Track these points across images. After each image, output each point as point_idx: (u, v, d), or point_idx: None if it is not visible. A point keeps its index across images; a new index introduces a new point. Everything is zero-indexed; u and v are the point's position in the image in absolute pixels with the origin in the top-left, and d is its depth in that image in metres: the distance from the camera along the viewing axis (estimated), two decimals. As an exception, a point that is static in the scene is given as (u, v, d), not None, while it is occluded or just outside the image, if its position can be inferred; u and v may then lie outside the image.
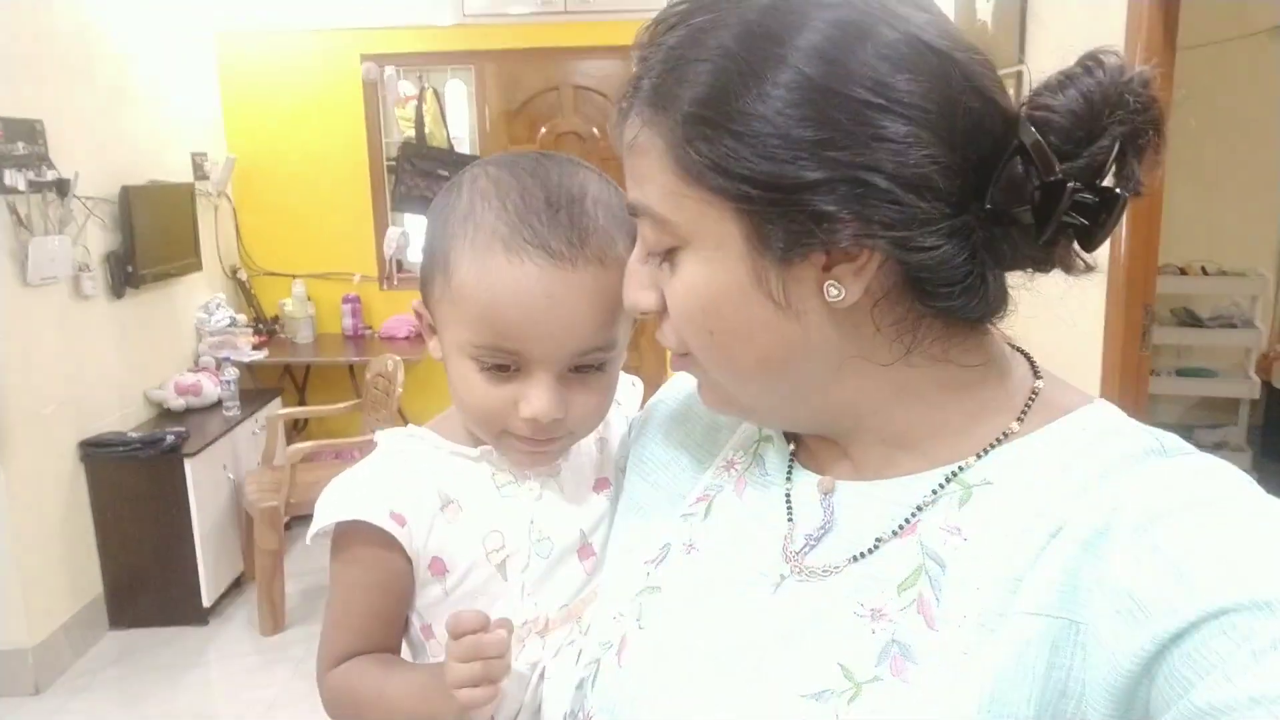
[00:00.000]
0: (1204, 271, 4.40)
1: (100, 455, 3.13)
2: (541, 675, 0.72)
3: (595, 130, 4.46)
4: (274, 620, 3.24)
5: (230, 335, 3.99)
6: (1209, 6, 3.73)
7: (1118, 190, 0.50)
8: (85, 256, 3.19)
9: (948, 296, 0.52)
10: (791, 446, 0.65)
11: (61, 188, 3.01)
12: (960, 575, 0.51)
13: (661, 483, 0.72)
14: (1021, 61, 3.18)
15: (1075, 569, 0.46)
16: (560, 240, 0.66)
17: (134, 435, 3.22)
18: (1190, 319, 4.49)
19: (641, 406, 0.85)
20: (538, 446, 0.72)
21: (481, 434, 0.74)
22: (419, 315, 0.76)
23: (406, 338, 4.37)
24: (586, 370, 0.71)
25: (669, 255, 0.55)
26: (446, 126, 4.38)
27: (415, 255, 4.48)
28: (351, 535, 0.72)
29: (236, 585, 3.56)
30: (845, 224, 0.49)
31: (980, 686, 0.46)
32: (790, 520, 0.61)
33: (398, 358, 3.56)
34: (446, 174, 4.34)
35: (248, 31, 4.29)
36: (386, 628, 0.75)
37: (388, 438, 0.77)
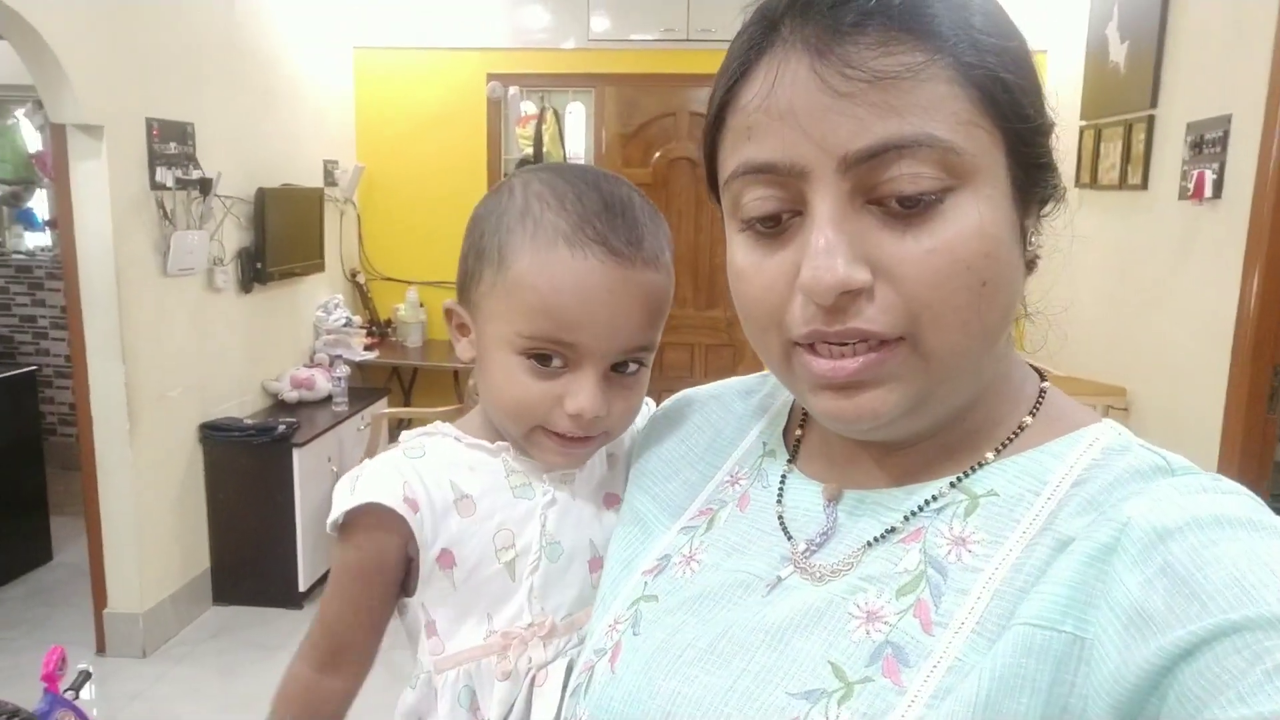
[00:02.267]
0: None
1: (217, 438, 3.32)
2: (532, 681, 0.72)
3: (708, 156, 4.50)
4: (363, 611, 3.34)
5: (345, 334, 4.17)
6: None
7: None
8: (220, 251, 3.40)
9: (1031, 269, 0.56)
10: (789, 459, 0.66)
11: (204, 186, 3.22)
12: (961, 584, 0.51)
13: (662, 495, 0.72)
14: (1154, 106, 3.07)
15: (1082, 584, 0.46)
16: (620, 240, 0.69)
17: (249, 422, 3.41)
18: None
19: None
20: (572, 445, 0.73)
21: (512, 429, 0.74)
22: (450, 315, 0.78)
23: (510, 349, 4.46)
24: (624, 370, 0.72)
25: (931, 201, 0.49)
26: (564, 146, 4.49)
27: (524, 269, 4.58)
28: (361, 519, 0.72)
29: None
30: (1054, 177, 0.54)
31: (975, 693, 0.46)
32: (793, 523, 0.61)
33: (499, 367, 3.65)
34: (560, 192, 4.44)
35: (383, 48, 4.51)
36: (364, 622, 0.75)
37: (411, 435, 0.78)
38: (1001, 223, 0.50)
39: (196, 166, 3.21)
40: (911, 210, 0.49)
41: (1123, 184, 3.24)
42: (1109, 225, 3.42)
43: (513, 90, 4.45)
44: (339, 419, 3.72)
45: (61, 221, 2.90)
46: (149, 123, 2.99)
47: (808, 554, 0.58)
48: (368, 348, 4.33)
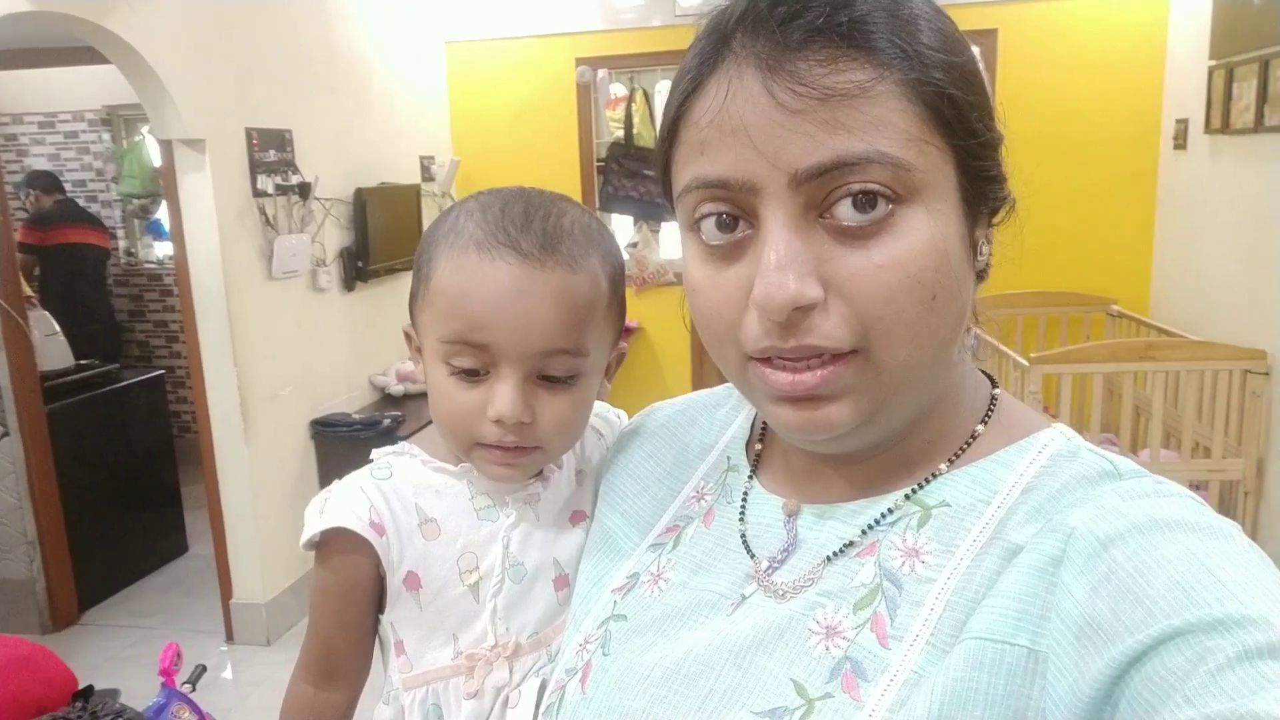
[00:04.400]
0: None
1: (327, 434, 3.45)
2: (505, 703, 0.74)
3: (803, 127, 4.36)
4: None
5: (448, 327, 4.25)
6: None
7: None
8: (321, 253, 3.51)
9: (978, 281, 0.56)
10: (750, 474, 0.66)
11: (304, 190, 3.32)
12: (915, 596, 0.52)
13: (631, 513, 0.72)
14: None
15: (1032, 596, 0.47)
16: (531, 243, 0.69)
17: (356, 417, 3.52)
18: None
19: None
20: (507, 457, 0.73)
21: (457, 448, 0.75)
22: (407, 337, 0.79)
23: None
24: (556, 381, 0.72)
25: (884, 217, 0.49)
26: (654, 127, 4.44)
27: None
28: (332, 542, 0.75)
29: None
30: (1002, 188, 0.55)
31: (928, 706, 0.47)
32: (755, 540, 0.62)
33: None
34: (651, 173, 4.39)
35: (473, 40, 4.55)
36: (351, 639, 0.77)
37: (381, 453, 0.80)
38: (951, 236, 0.51)
39: (295, 172, 3.31)
40: (862, 226, 0.49)
41: (1259, 126, 2.95)
42: (1243, 173, 3.13)
43: (601, 73, 4.42)
44: (443, 410, 3.80)
45: (173, 232, 3.05)
46: (249, 133, 3.10)
47: (770, 571, 0.59)
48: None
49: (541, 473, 0.79)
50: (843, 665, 0.52)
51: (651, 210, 4.46)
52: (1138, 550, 0.45)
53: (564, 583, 0.77)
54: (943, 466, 0.57)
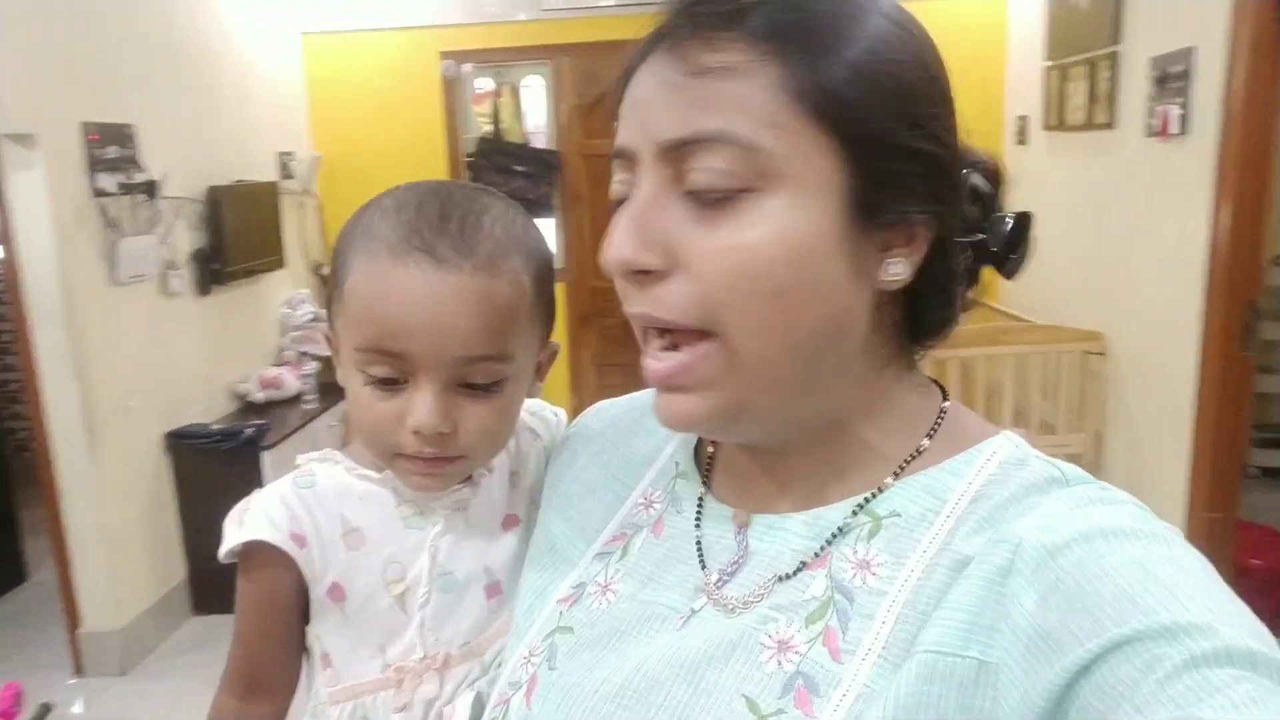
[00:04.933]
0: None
1: (184, 447, 3.26)
2: (438, 717, 0.72)
3: (671, 123, 4.41)
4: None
5: (313, 330, 4.09)
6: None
7: (1025, 213, 0.57)
8: (172, 255, 3.31)
9: (939, 306, 0.55)
10: (703, 486, 0.64)
11: (150, 189, 3.13)
12: (867, 609, 0.51)
13: (576, 519, 0.70)
14: (1117, 42, 2.99)
15: (981, 608, 0.47)
16: (446, 246, 0.66)
17: (215, 427, 3.34)
18: (1310, 315, 4.17)
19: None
20: (429, 468, 0.70)
21: (376, 457, 0.73)
22: (328, 342, 0.76)
23: (483, 332, 4.41)
24: (478, 388, 0.69)
25: (729, 198, 0.49)
26: (522, 122, 4.39)
27: (492, 250, 4.50)
28: (254, 555, 0.72)
29: (315, 574, 3.66)
30: (922, 200, 0.51)
31: None
32: (705, 551, 0.60)
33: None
34: (523, 169, 4.36)
35: (332, 32, 4.39)
36: (277, 651, 0.75)
37: (305, 459, 0.77)
38: (813, 233, 0.49)
39: (140, 170, 3.11)
40: (713, 204, 0.50)
41: (1089, 124, 3.17)
42: (1078, 168, 3.35)
43: (467, 67, 4.35)
44: (310, 417, 3.66)
45: (2, 236, 2.81)
46: (85, 127, 2.89)
47: (720, 584, 0.58)
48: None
49: (470, 477, 0.77)
50: (795, 680, 0.51)
51: (523, 206, 4.40)
52: (1084, 559, 0.44)
53: (496, 590, 0.74)
54: (889, 480, 0.56)
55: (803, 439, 0.57)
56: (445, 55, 4.36)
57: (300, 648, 0.76)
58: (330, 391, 3.93)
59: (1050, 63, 3.51)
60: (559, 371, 4.63)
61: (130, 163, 3.08)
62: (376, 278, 0.66)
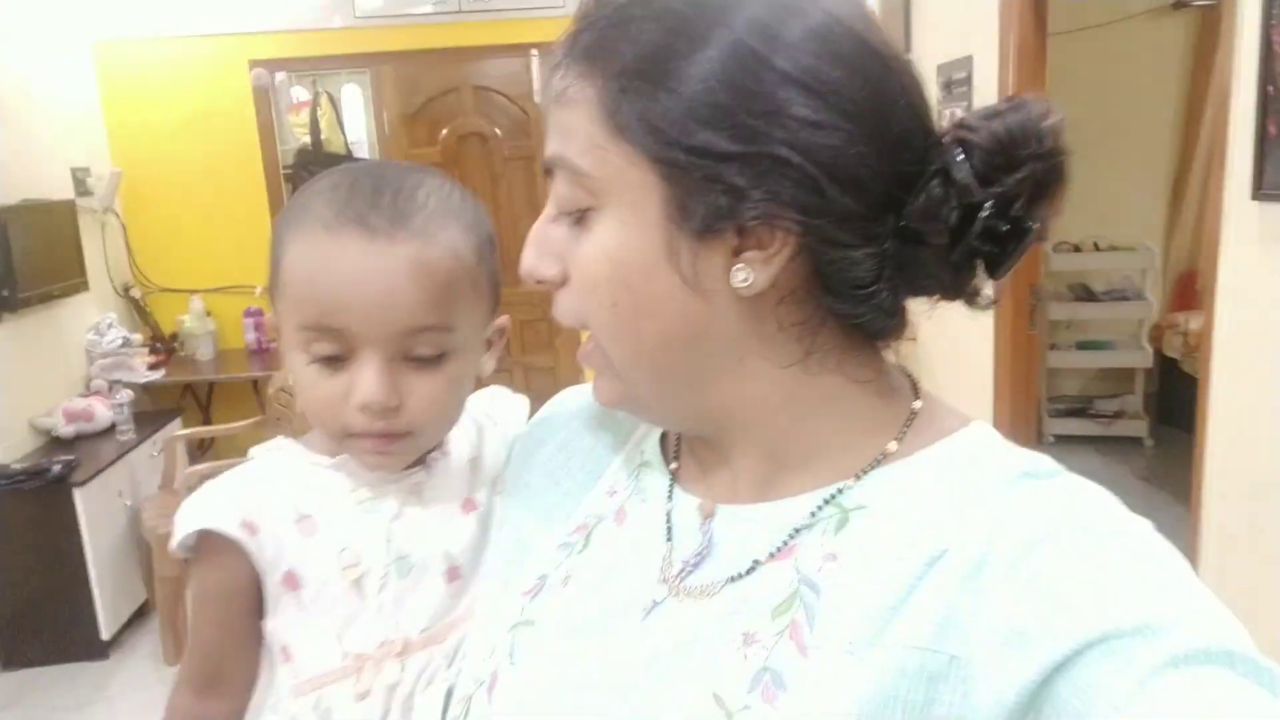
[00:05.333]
0: (1096, 247, 4.54)
1: (-18, 490, 2.98)
2: (404, 707, 0.72)
3: (498, 130, 4.42)
4: (178, 648, 3.13)
5: (124, 356, 3.84)
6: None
7: (1028, 222, 0.50)
8: (-45, 282, 3.03)
9: (852, 301, 0.52)
10: (674, 466, 0.63)
11: (-77, 211, 2.85)
12: (834, 601, 0.50)
13: (541, 508, 0.69)
14: (909, 50, 3.23)
15: (953, 602, 0.46)
16: (380, 218, 0.66)
17: (17, 467, 3.07)
18: (1086, 294, 4.64)
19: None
20: (379, 445, 0.70)
21: (329, 439, 0.73)
22: (272, 329, 0.75)
23: (313, 349, 4.26)
24: (424, 361, 0.69)
25: (582, 217, 0.53)
26: (344, 131, 4.29)
27: (318, 264, 4.36)
28: (205, 545, 0.71)
29: (140, 615, 3.43)
30: (758, 204, 0.48)
31: (847, 716, 0.46)
32: (669, 541, 0.59)
33: (299, 371, 3.46)
34: (346, 180, 4.25)
35: (128, 40, 4.12)
36: (234, 645, 0.74)
37: (257, 450, 0.76)
38: (636, 248, 0.51)
39: (-90, 190, 2.83)
40: (575, 221, 0.54)
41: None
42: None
43: (280, 76, 4.20)
44: (126, 448, 3.43)
45: None
46: None
47: (683, 575, 0.57)
48: (153, 366, 4.00)
49: (424, 460, 0.76)
50: (762, 675, 0.49)
51: (348, 218, 4.30)
52: (1059, 554, 0.44)
53: (455, 575, 0.73)
54: (849, 481, 0.54)
55: (727, 432, 0.57)
56: (255, 64, 4.18)
57: (258, 642, 0.74)
58: (147, 421, 3.70)
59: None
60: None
61: (-101, 183, 2.80)
62: (311, 253, 0.67)
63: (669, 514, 0.61)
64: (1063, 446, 4.49)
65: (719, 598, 0.54)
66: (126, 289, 4.23)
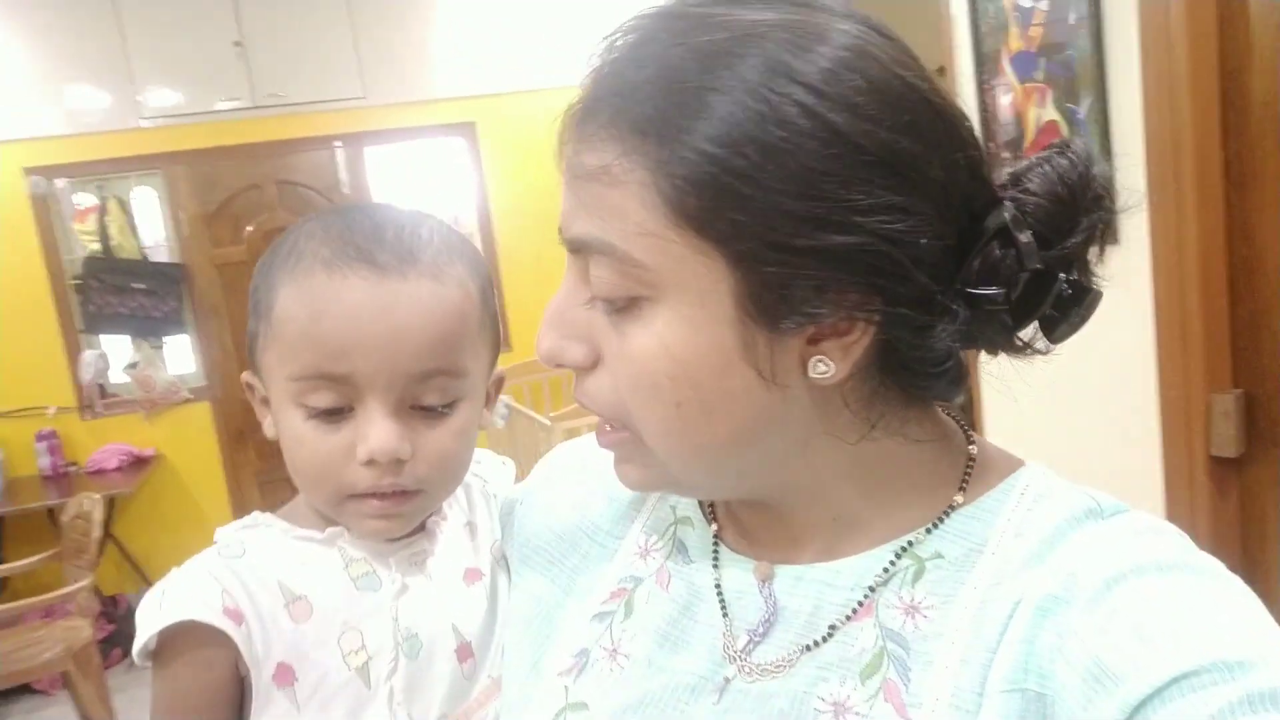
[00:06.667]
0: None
1: None
2: None
3: (306, 224, 4.31)
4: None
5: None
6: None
7: (1092, 285, 0.48)
8: None
9: (925, 377, 0.50)
10: (714, 527, 0.59)
11: None
12: (926, 655, 0.48)
13: (561, 576, 0.64)
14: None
15: (1035, 639, 0.45)
16: (388, 254, 0.61)
17: None
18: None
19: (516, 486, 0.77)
20: (386, 506, 0.64)
21: (324, 505, 0.66)
22: (250, 389, 0.69)
23: (119, 468, 3.97)
24: (432, 410, 0.64)
25: (629, 306, 0.47)
26: (137, 236, 4.08)
27: (118, 377, 4.10)
28: (178, 642, 0.61)
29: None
30: (847, 296, 0.45)
31: None
32: (725, 615, 0.55)
33: (95, 495, 3.23)
34: (143, 286, 4.04)
35: (-118, 153, 3.81)
36: None
37: (226, 530, 0.67)
38: (702, 346, 0.46)
39: None
40: (615, 309, 0.48)
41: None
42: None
43: (60, 183, 3.97)
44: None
45: None
46: None
47: (750, 647, 0.53)
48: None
49: (425, 527, 0.69)
50: None
51: (148, 325, 4.08)
52: (1138, 592, 0.44)
53: (468, 653, 0.66)
54: (920, 534, 0.52)
55: (789, 500, 0.54)
56: (32, 170, 3.94)
57: None
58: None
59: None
60: (218, 493, 4.28)
61: None
62: (311, 295, 0.60)
63: (718, 578, 0.56)
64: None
65: (797, 669, 0.51)
66: (-107, 422, 3.83)
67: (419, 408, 0.63)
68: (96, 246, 3.98)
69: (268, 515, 0.69)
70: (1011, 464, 0.55)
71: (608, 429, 0.53)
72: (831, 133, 0.43)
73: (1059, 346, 0.50)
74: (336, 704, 0.63)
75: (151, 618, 0.61)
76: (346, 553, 0.66)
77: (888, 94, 0.44)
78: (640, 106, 0.45)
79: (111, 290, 3.98)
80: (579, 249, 0.48)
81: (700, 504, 0.61)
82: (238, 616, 0.61)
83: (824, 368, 0.47)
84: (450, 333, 0.63)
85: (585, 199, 0.47)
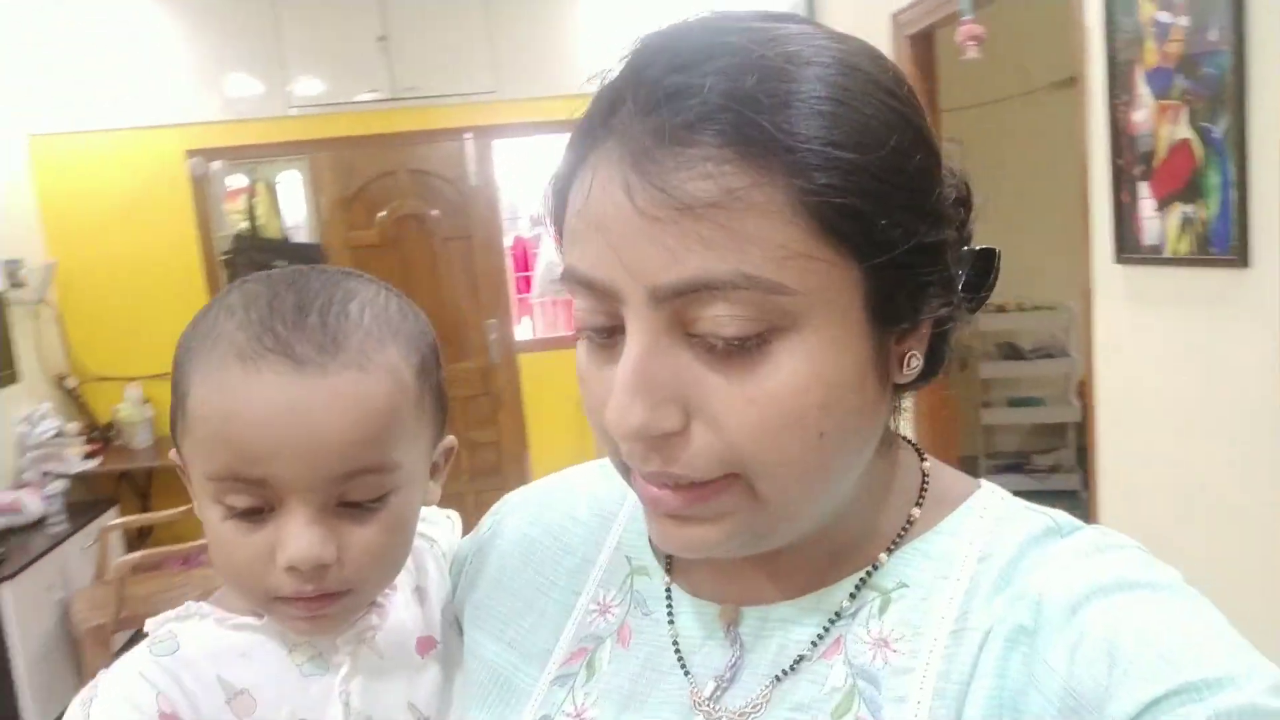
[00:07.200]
0: (1020, 308, 4.71)
1: (-98, 590, 2.92)
2: None
3: (435, 211, 4.51)
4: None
5: (56, 446, 3.80)
6: (992, 69, 4.08)
7: (993, 248, 0.51)
8: (-122, 379, 3.01)
9: (940, 362, 0.51)
10: (666, 578, 0.57)
11: None
12: (897, 691, 0.47)
13: (518, 640, 0.61)
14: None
15: (1005, 672, 0.45)
16: (307, 345, 0.56)
17: (-60, 564, 3.02)
18: (1014, 352, 4.79)
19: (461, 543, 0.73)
20: (312, 608, 0.59)
21: (252, 605, 0.61)
22: (180, 469, 0.63)
23: (253, 433, 4.25)
24: (361, 506, 0.58)
25: (760, 342, 0.43)
26: (280, 217, 4.35)
27: (257, 348, 4.38)
28: None
29: (70, 713, 3.34)
30: (938, 291, 0.46)
31: None
32: (683, 668, 0.53)
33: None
34: (283, 263, 4.30)
35: (65, 133, 4.18)
36: None
37: (156, 622, 0.63)
38: (847, 365, 0.44)
39: None
40: (733, 351, 0.43)
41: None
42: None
43: (216, 165, 4.27)
44: (58, 540, 3.38)
45: None
46: None
47: (717, 695, 0.51)
48: (89, 455, 3.96)
49: (374, 601, 0.65)
50: None
51: (287, 301, 4.35)
52: (1107, 613, 0.43)
53: None
54: (882, 556, 0.51)
55: (799, 541, 0.52)
56: (192, 154, 4.26)
57: None
58: (82, 511, 3.65)
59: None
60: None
61: None
62: (224, 391, 0.55)
63: (679, 625, 0.55)
64: (1000, 501, 4.58)
65: (768, 711, 0.50)
66: (61, 379, 4.20)
67: (346, 504, 0.58)
68: (244, 225, 4.27)
69: (201, 604, 0.64)
70: (967, 486, 0.54)
71: (689, 491, 0.46)
72: (917, 133, 0.45)
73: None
74: None
75: None
76: (289, 638, 0.62)
77: (915, 110, 0.47)
78: (755, 120, 0.41)
79: (255, 266, 4.25)
80: (691, 290, 0.42)
81: (655, 552, 0.59)
82: None
83: (916, 363, 0.48)
84: (377, 429, 0.57)
85: (704, 231, 0.41)
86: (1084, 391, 4.66)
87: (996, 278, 0.51)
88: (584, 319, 0.47)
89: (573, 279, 0.46)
